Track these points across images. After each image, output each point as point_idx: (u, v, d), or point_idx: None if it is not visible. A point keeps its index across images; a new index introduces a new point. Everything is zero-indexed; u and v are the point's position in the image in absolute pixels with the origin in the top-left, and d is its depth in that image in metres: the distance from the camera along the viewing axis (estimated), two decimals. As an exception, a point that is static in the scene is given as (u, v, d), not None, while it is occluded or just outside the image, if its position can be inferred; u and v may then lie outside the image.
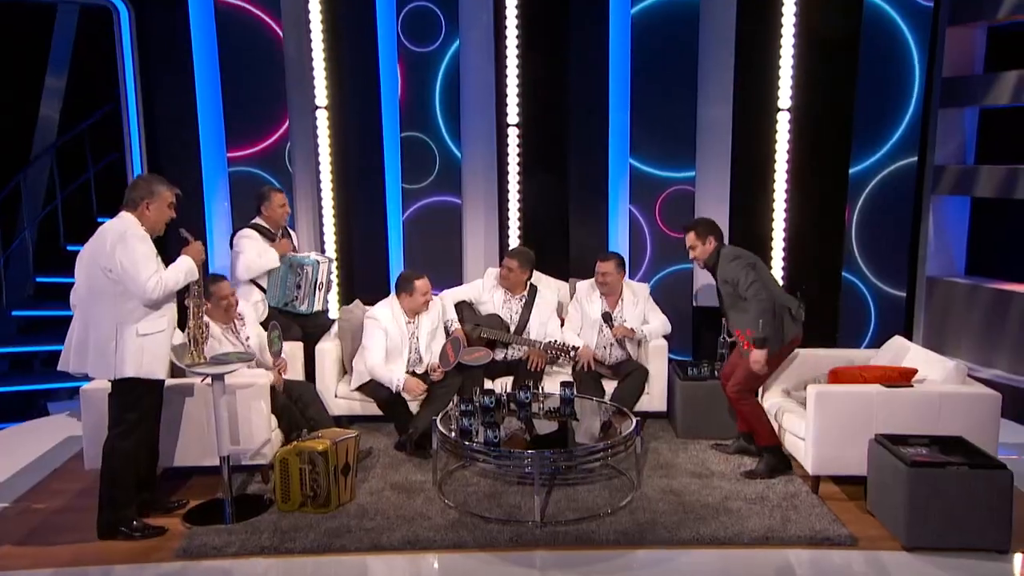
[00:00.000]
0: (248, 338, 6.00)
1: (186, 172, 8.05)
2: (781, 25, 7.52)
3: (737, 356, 5.97)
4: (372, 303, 7.20)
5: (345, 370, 6.79)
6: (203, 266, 5.22)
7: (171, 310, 5.06)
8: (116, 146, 10.06)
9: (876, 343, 7.83)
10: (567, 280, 7.46)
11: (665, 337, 6.85)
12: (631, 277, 7.77)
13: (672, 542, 4.94)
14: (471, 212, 8.07)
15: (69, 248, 9.60)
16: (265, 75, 7.82)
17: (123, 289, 4.84)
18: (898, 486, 4.84)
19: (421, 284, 6.53)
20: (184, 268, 5.03)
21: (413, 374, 6.40)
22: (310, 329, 6.74)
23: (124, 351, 4.85)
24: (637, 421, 5.55)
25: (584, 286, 6.91)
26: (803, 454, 5.58)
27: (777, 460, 5.82)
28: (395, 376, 6.29)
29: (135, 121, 8.04)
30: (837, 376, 5.66)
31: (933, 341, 8.35)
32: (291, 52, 7.87)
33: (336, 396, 6.60)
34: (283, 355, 6.11)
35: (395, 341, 6.46)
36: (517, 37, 7.77)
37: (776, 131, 7.66)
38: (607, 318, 6.69)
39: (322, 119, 7.92)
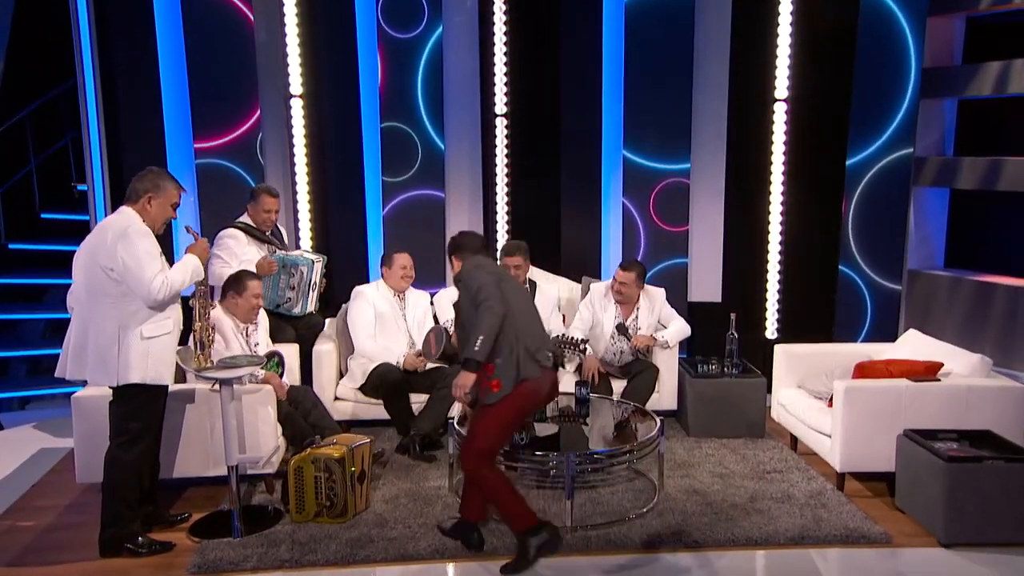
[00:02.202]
0: (257, 344, 5.90)
1: (150, 163, 7.77)
2: (778, 14, 7.63)
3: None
4: (341, 303, 7.18)
5: (342, 373, 6.71)
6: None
7: (176, 311, 4.92)
8: (60, 135, 9.87)
9: (872, 336, 8.04)
10: (559, 273, 7.50)
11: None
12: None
13: (708, 544, 4.99)
14: (455, 206, 8.03)
15: (11, 247, 9.30)
16: (235, 61, 7.68)
17: (126, 289, 4.68)
18: (934, 482, 4.95)
19: (400, 257, 6.71)
20: (191, 267, 4.90)
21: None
22: (303, 330, 6.64)
23: (128, 356, 4.70)
24: (661, 421, 5.59)
25: (600, 289, 6.89)
26: (829, 451, 5.69)
27: (545, 538, 4.70)
28: (393, 353, 6.45)
29: (94, 108, 7.80)
30: (863, 371, 5.77)
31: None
32: (262, 37, 7.73)
33: (336, 399, 6.52)
34: (284, 379, 6.02)
35: (385, 316, 6.57)
36: (504, 23, 7.76)
37: (773, 122, 7.77)
38: (622, 329, 6.72)
39: (296, 108, 7.79)
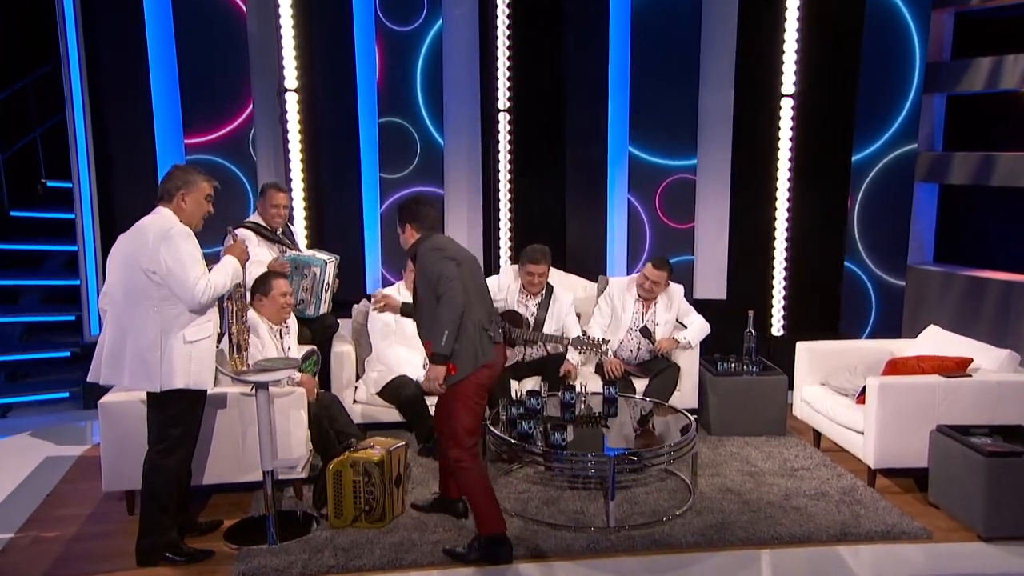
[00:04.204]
0: (289, 348, 5.98)
1: (139, 160, 7.89)
2: (785, 9, 7.86)
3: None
4: (347, 303, 7.25)
5: (358, 374, 6.81)
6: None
7: (215, 314, 4.98)
8: (26, 130, 9.79)
9: (877, 332, 8.34)
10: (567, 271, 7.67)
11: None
12: (631, 269, 8.06)
13: (752, 542, 5.19)
14: (454, 204, 8.15)
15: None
16: (227, 54, 7.74)
17: (167, 293, 4.71)
18: (973, 477, 5.20)
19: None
20: (231, 269, 4.95)
21: None
22: (318, 332, 6.71)
23: (172, 360, 4.73)
24: (695, 420, 5.80)
25: (620, 284, 7.07)
26: (862, 448, 5.94)
27: (497, 550, 4.95)
28: (415, 369, 6.53)
29: (79, 103, 7.77)
30: (895, 367, 6.03)
31: (910, 331, 8.83)
32: (255, 28, 7.78)
33: (354, 402, 6.63)
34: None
35: (405, 322, 6.56)
36: (507, 16, 7.87)
37: (779, 118, 8.00)
38: (645, 333, 6.92)
39: (291, 103, 7.82)
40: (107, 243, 7.70)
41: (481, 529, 4.98)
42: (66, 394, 8.27)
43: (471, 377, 4.84)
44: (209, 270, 4.84)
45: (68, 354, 8.48)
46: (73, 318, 8.52)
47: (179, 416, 4.89)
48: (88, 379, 4.96)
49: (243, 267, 5.09)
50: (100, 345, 4.90)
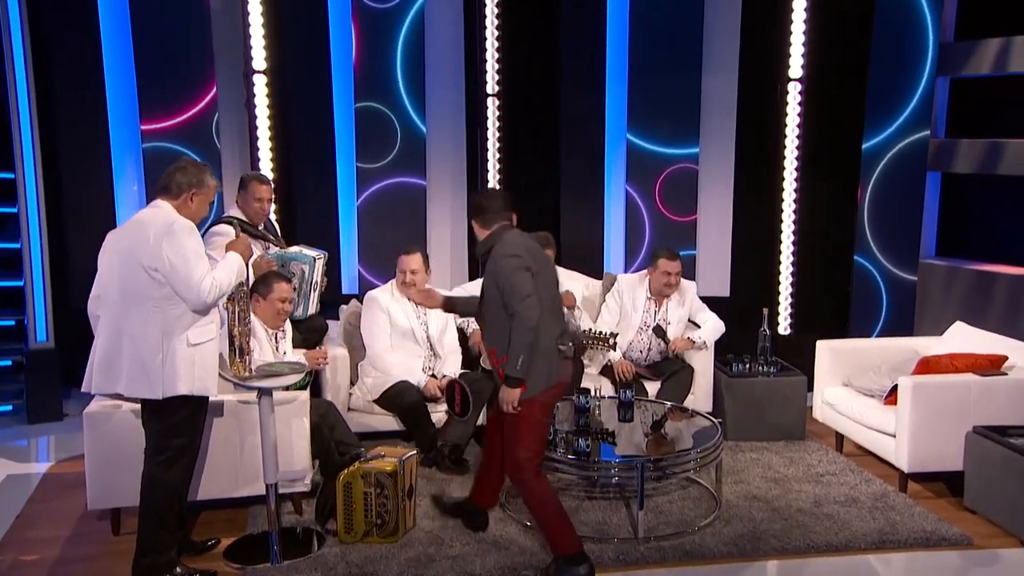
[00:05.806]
0: (284, 353, 6.09)
1: (90, 149, 7.99)
2: (792, -14, 8.14)
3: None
4: (333, 304, 7.39)
5: (352, 380, 6.94)
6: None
7: (217, 315, 5.09)
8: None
9: (888, 330, 8.64)
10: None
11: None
12: (628, 265, 8.27)
13: (788, 551, 5.42)
14: (438, 196, 8.29)
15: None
16: (187, 31, 7.82)
17: (169, 292, 4.79)
18: (1015, 480, 5.47)
19: (404, 260, 6.79)
20: (235, 266, 5.04)
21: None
22: (306, 334, 6.81)
23: (175, 365, 4.79)
24: (721, 423, 6.04)
25: (630, 281, 7.27)
26: (893, 451, 6.21)
27: (578, 572, 5.02)
28: (414, 374, 6.66)
29: (24, 86, 7.75)
30: (927, 366, 6.32)
31: (920, 328, 9.14)
32: (218, 4, 7.86)
33: (349, 409, 6.76)
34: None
35: (402, 325, 6.75)
36: (497, -8, 8.06)
37: (786, 103, 8.28)
38: (659, 332, 7.12)
39: (259, 85, 7.90)
40: (54, 240, 7.80)
41: (556, 550, 5.07)
42: (9, 407, 8.24)
43: (540, 396, 4.93)
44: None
45: (10, 363, 8.44)
46: (13, 323, 8.47)
47: (181, 425, 4.96)
48: (82, 389, 5.00)
49: (247, 264, 5.20)
50: (92, 351, 4.95)
